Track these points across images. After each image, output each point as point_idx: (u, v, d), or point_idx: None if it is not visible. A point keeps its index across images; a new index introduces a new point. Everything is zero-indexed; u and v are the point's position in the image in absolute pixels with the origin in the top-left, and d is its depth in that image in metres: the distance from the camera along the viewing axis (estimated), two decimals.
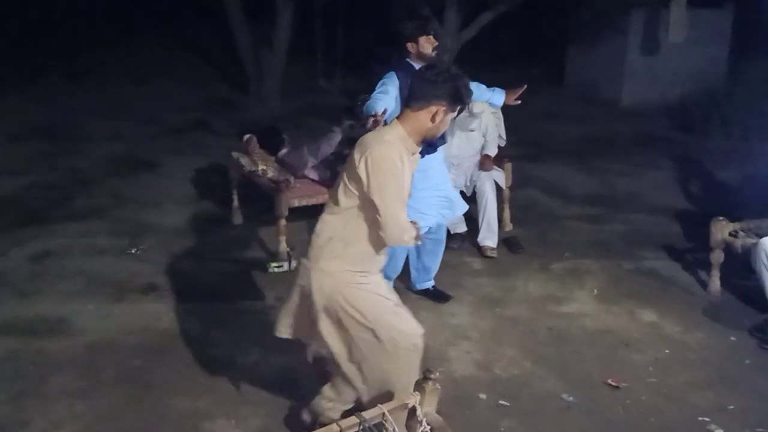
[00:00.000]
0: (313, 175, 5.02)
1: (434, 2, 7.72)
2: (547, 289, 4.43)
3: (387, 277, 3.97)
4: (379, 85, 3.74)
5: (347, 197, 2.58)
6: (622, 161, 7.11)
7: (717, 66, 9.41)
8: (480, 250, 4.87)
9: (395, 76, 3.73)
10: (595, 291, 4.40)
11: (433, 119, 2.55)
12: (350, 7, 10.69)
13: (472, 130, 4.96)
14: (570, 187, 6.35)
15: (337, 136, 5.07)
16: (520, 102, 4.20)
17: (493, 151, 4.99)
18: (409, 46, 3.76)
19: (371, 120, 3.29)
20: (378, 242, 2.63)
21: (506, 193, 5.26)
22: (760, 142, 6.59)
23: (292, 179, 4.77)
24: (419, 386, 2.64)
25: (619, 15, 8.86)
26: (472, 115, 4.89)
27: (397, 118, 2.61)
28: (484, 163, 4.96)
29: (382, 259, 2.76)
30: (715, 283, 4.32)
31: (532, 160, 6.75)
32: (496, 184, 4.99)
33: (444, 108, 2.55)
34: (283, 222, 4.63)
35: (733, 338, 3.88)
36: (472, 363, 3.59)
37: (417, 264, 4.22)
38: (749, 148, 6.98)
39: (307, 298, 2.69)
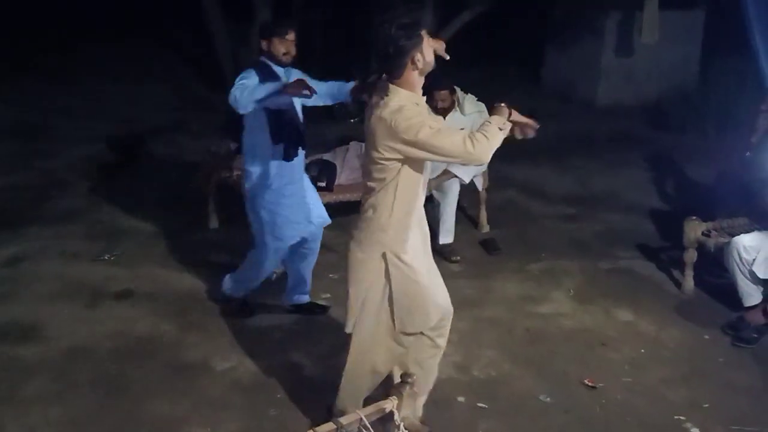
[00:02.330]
0: None
1: (412, 2, 7.73)
2: (525, 289, 4.46)
3: (246, 288, 3.99)
4: (238, 79, 3.58)
5: (388, 172, 2.61)
6: (598, 160, 7.17)
7: (690, 66, 9.53)
8: (442, 255, 4.76)
9: (254, 72, 3.61)
10: (572, 291, 4.43)
11: (416, 66, 2.56)
12: (328, 8, 10.66)
13: (461, 129, 4.97)
14: (547, 187, 6.39)
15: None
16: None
17: None
18: (264, 44, 3.67)
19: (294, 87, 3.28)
20: (421, 189, 2.71)
21: (483, 194, 5.29)
22: (733, 140, 6.68)
23: None
24: (396, 390, 2.64)
25: (594, 16, 8.94)
26: (463, 114, 4.92)
27: (391, 84, 2.58)
28: None
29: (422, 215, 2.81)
30: (689, 281, 4.38)
31: (508, 161, 6.73)
32: (473, 184, 5.00)
33: (414, 52, 2.53)
34: None
35: (706, 336, 3.93)
36: (450, 365, 3.60)
37: (296, 275, 4.02)
38: (723, 146, 7.07)
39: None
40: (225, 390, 3.38)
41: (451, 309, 2.95)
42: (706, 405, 3.35)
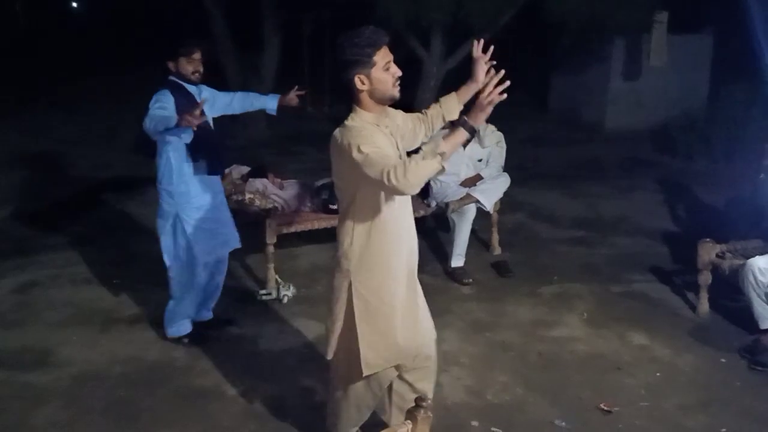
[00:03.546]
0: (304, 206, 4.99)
1: (420, 31, 7.82)
2: (537, 313, 4.43)
3: (188, 315, 3.98)
4: (153, 102, 3.61)
5: (346, 195, 2.56)
6: (607, 185, 7.18)
7: (698, 90, 9.57)
8: (455, 278, 4.84)
9: (169, 93, 3.65)
10: (585, 315, 4.40)
11: (361, 89, 2.47)
12: (337, 36, 10.78)
13: (479, 160, 5.04)
14: (557, 211, 6.38)
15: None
16: (297, 104, 4.05)
17: (487, 175, 5.04)
18: (171, 64, 3.71)
19: (188, 118, 3.29)
20: (388, 211, 2.56)
21: (494, 217, 5.29)
22: (743, 164, 6.67)
23: (279, 206, 4.76)
24: (411, 414, 2.61)
25: (601, 41, 9.00)
26: (482, 146, 4.99)
27: (354, 104, 2.52)
28: (473, 179, 5.02)
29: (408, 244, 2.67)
30: (704, 304, 4.33)
31: (518, 185, 6.76)
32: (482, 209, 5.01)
33: (359, 74, 2.45)
34: (271, 249, 4.61)
35: (723, 360, 3.88)
36: (463, 389, 3.57)
37: (203, 294, 4.03)
38: (732, 170, 7.07)
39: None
40: (236, 416, 3.35)
41: (433, 348, 2.82)
42: (724, 430, 3.29)
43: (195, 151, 3.71)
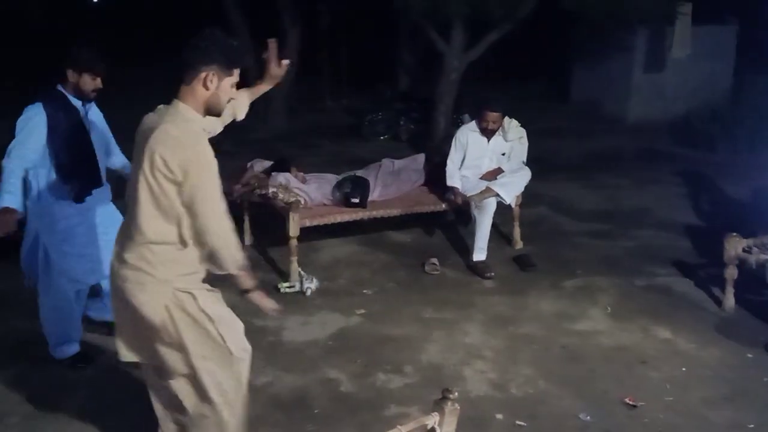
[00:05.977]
0: (325, 199, 5.02)
1: (440, 22, 7.78)
2: (560, 306, 4.42)
3: (66, 339, 3.72)
4: (22, 123, 3.33)
5: (166, 220, 2.44)
6: (628, 177, 7.12)
7: (721, 82, 9.45)
8: (476, 271, 4.83)
9: (42, 109, 3.35)
10: (608, 308, 4.38)
11: (206, 86, 2.38)
12: (355, 28, 10.78)
13: (503, 154, 5.03)
14: (578, 204, 6.35)
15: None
16: None
17: (508, 168, 5.02)
18: (70, 74, 3.42)
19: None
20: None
21: (516, 210, 5.27)
22: (767, 156, 6.59)
23: (302, 200, 4.78)
24: (438, 406, 2.61)
25: (623, 32, 8.92)
26: (506, 139, 4.97)
27: (176, 97, 2.40)
28: (493, 172, 5.01)
29: None
30: (730, 299, 4.29)
31: (539, 178, 6.70)
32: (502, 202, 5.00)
33: (214, 72, 2.37)
34: (294, 243, 4.64)
35: (749, 355, 3.85)
36: (487, 382, 3.57)
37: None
38: (756, 161, 6.98)
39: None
40: (262, 407, 3.37)
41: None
42: (751, 425, 3.26)
43: (67, 173, 3.42)
